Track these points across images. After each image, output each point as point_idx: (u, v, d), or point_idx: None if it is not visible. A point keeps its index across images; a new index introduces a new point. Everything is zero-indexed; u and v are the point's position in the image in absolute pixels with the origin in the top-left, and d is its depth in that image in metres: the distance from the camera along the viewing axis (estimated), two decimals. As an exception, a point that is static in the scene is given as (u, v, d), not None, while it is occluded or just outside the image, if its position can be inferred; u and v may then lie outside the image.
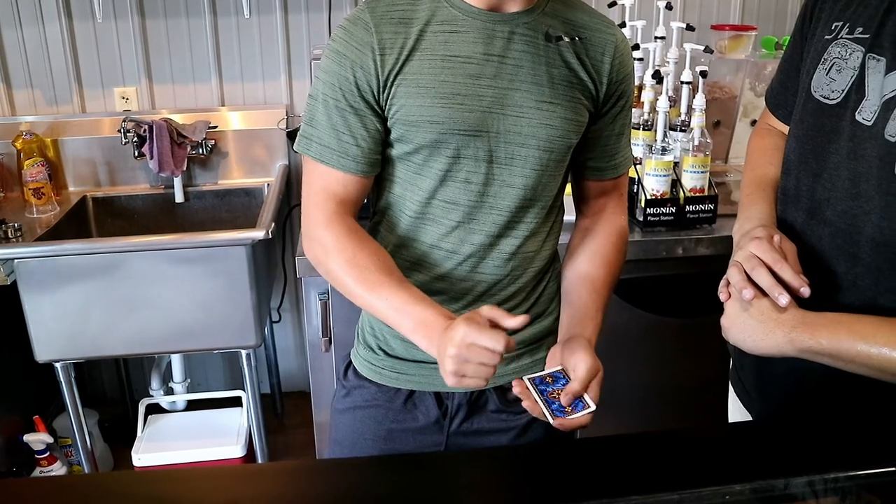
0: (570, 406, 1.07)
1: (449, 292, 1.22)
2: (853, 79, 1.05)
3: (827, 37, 1.10)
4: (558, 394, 1.08)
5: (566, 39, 1.16)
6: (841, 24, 1.09)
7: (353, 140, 1.16)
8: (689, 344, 2.05)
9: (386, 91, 1.13)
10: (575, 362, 1.10)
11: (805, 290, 1.02)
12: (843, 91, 1.06)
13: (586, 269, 1.25)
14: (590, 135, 1.23)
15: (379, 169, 1.22)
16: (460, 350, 0.98)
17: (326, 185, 1.18)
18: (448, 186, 1.17)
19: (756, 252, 1.06)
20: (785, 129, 1.25)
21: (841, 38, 1.08)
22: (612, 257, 1.27)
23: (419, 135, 1.14)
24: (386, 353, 1.29)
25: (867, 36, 1.04)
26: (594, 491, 0.94)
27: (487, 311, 1.03)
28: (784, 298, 1.01)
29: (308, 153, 1.18)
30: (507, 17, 1.14)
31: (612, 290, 1.26)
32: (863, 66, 1.04)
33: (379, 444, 1.31)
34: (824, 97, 1.09)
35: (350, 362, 1.36)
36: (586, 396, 1.08)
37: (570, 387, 1.07)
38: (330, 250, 1.16)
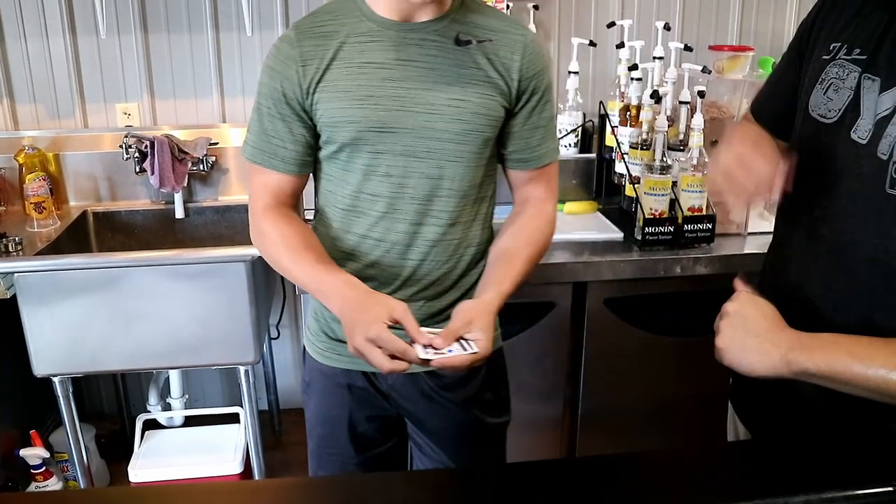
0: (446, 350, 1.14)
1: (380, 278, 1.35)
2: (849, 98, 1.06)
3: (825, 57, 1.12)
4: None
5: (475, 42, 1.28)
6: (839, 44, 1.10)
7: (282, 143, 1.31)
8: (687, 363, 2.05)
9: (309, 98, 1.28)
10: (457, 310, 1.20)
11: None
12: (839, 110, 1.07)
13: (504, 244, 1.35)
14: (510, 129, 1.35)
15: (309, 169, 1.37)
16: (365, 346, 1.13)
17: (262, 182, 1.35)
18: (371, 180, 1.30)
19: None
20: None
21: (839, 58, 1.09)
22: (531, 235, 1.36)
23: (340, 134, 1.28)
24: (328, 336, 1.44)
25: (864, 57, 1.06)
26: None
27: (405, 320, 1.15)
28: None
29: (244, 154, 1.36)
30: (418, 26, 1.27)
31: (532, 266, 1.33)
32: (859, 86, 1.05)
33: (343, 413, 1.47)
34: (821, 116, 1.10)
35: (304, 349, 1.52)
36: (472, 343, 1.15)
37: (445, 328, 1.16)
38: (266, 234, 1.33)
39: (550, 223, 1.40)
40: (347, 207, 1.34)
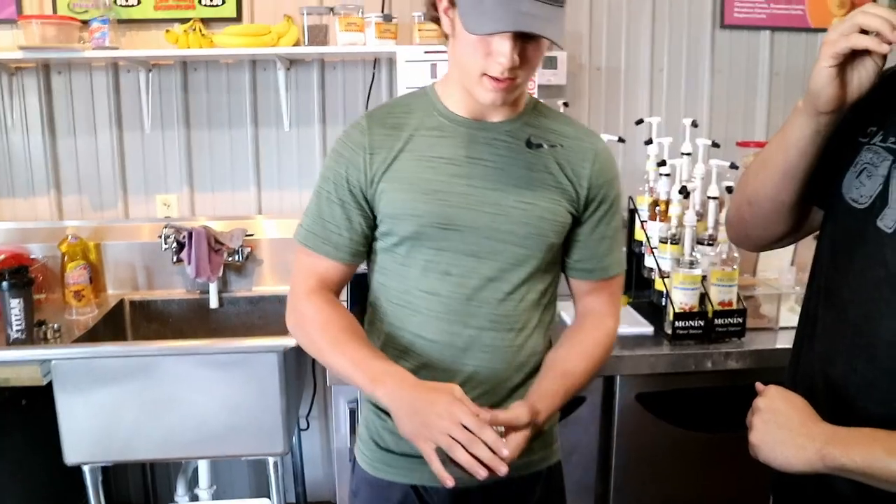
0: None
1: (432, 381, 1.23)
2: (881, 186, 1.07)
3: (861, 139, 1.12)
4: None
5: (546, 147, 1.27)
6: (876, 129, 1.10)
7: (337, 229, 1.29)
8: (720, 459, 2.00)
9: (373, 187, 1.26)
10: (511, 408, 1.15)
11: None
12: (870, 197, 1.08)
13: (561, 355, 1.31)
14: (576, 237, 1.32)
15: (360, 260, 1.34)
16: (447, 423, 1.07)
17: (309, 265, 1.32)
18: (429, 277, 1.26)
19: None
20: None
21: (874, 144, 1.10)
22: (589, 352, 1.31)
23: (402, 227, 1.25)
24: (377, 446, 1.35)
25: None
26: None
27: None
28: None
29: (297, 238, 1.33)
30: (490, 125, 1.27)
31: (586, 381, 1.30)
32: (889, 175, 1.06)
33: None
34: (853, 200, 1.10)
35: (354, 461, 1.42)
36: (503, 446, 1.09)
37: (493, 412, 1.11)
38: (307, 317, 1.29)
39: (609, 338, 1.35)
40: (402, 303, 1.30)
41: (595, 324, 1.36)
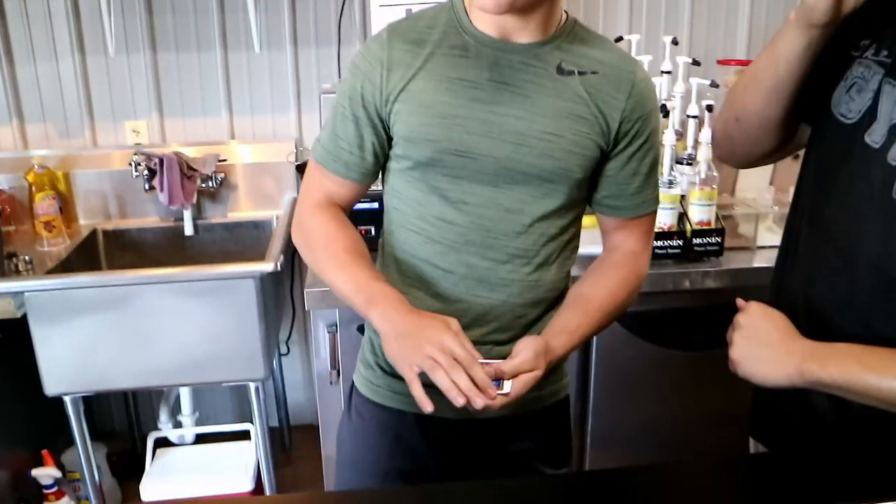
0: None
1: (444, 313, 1.17)
2: (870, 101, 1.05)
3: (853, 53, 1.10)
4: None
5: (578, 74, 1.16)
6: (869, 42, 1.08)
7: (349, 147, 1.23)
8: (697, 377, 2.04)
9: (388, 106, 1.18)
10: (519, 350, 1.11)
11: None
12: (860, 112, 1.06)
13: (585, 291, 1.24)
14: (605, 172, 1.23)
15: (372, 179, 1.28)
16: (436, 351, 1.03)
17: (319, 181, 1.28)
18: (445, 205, 1.20)
19: None
20: None
21: (865, 57, 1.07)
22: (615, 289, 1.24)
23: (416, 151, 1.18)
24: (383, 371, 1.31)
25: (889, 60, 1.04)
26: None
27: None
28: None
29: (312, 152, 1.29)
30: (518, 46, 1.16)
31: (609, 320, 1.24)
32: (879, 90, 1.04)
33: (380, 464, 1.34)
34: (842, 115, 1.09)
35: (353, 385, 1.39)
36: (508, 383, 1.07)
37: (497, 364, 1.07)
38: (312, 232, 1.25)
39: (639, 278, 1.28)
40: (417, 230, 1.23)
41: (624, 261, 1.28)
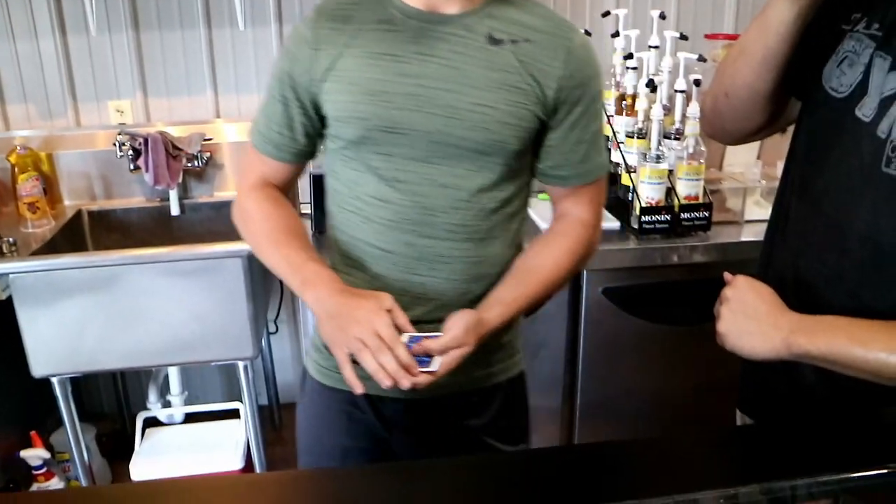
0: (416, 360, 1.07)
1: (385, 292, 1.16)
2: (861, 75, 1.05)
3: (844, 26, 1.09)
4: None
5: (510, 42, 1.14)
6: (860, 15, 1.08)
7: (278, 129, 1.23)
8: (685, 351, 2.05)
9: (318, 86, 1.17)
10: (449, 326, 1.10)
11: None
12: (850, 86, 1.06)
13: (529, 261, 1.24)
14: (547, 143, 1.21)
15: (306, 160, 1.29)
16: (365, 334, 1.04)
17: (255, 163, 1.29)
18: (378, 184, 1.18)
19: None
20: None
21: (857, 31, 1.07)
22: (559, 258, 1.23)
23: (347, 130, 1.17)
24: (330, 353, 1.28)
25: (880, 34, 1.04)
26: (588, 496, 0.94)
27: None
28: None
29: (249, 136, 1.29)
30: (445, 18, 1.14)
31: (554, 289, 1.23)
32: (870, 63, 1.04)
33: (339, 445, 1.34)
34: (833, 89, 1.09)
35: (305, 370, 1.39)
36: (438, 359, 1.07)
37: (424, 342, 1.08)
38: (249, 214, 1.26)
39: (585, 247, 1.25)
40: (354, 210, 1.22)
41: (571, 229, 1.26)
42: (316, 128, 1.23)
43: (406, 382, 1.03)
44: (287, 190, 1.32)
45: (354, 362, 1.08)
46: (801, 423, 1.12)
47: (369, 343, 1.04)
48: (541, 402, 2.12)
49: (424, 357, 1.08)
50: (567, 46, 1.15)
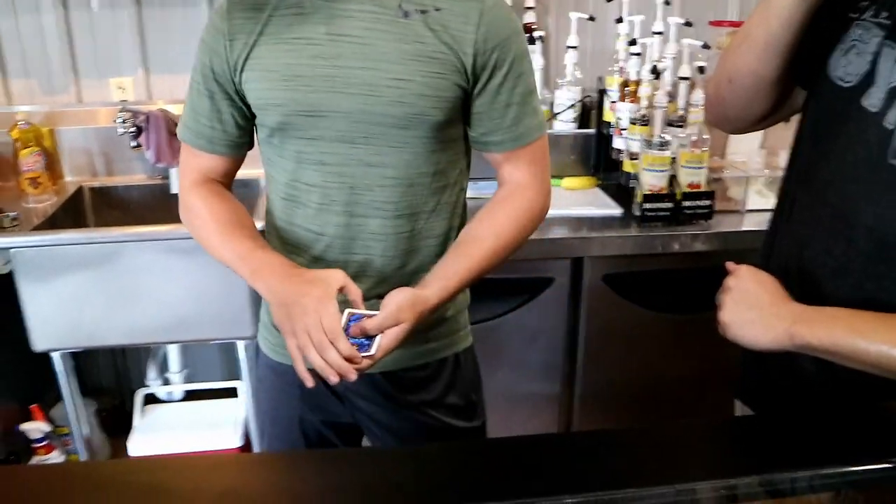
0: (356, 344, 1.07)
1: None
2: (869, 64, 1.04)
3: (851, 14, 1.08)
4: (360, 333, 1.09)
5: (418, 13, 1.12)
6: (868, 3, 1.06)
7: (209, 122, 1.22)
8: (685, 340, 2.06)
9: (237, 76, 1.17)
10: (384, 304, 1.10)
11: None
12: (857, 75, 1.05)
13: (471, 232, 1.23)
14: (475, 110, 1.19)
15: (240, 151, 1.28)
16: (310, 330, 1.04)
17: (191, 159, 1.28)
18: (305, 168, 1.19)
19: None
20: None
21: (864, 19, 1.06)
22: (501, 227, 1.22)
23: (268, 118, 1.17)
24: (278, 330, 1.30)
25: (889, 22, 1.02)
26: (585, 484, 0.94)
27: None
28: None
29: (179, 134, 1.28)
30: None
31: (499, 259, 1.22)
32: (878, 52, 1.03)
33: (296, 418, 1.37)
34: (839, 79, 1.08)
35: (257, 346, 1.41)
36: (377, 341, 1.08)
37: (362, 321, 1.08)
38: (194, 209, 1.26)
39: (530, 210, 1.24)
40: (286, 196, 1.23)
41: (510, 195, 1.25)
42: (246, 117, 1.23)
43: (352, 376, 1.04)
44: (229, 183, 1.32)
45: None
46: (801, 415, 1.12)
47: (314, 338, 1.04)
48: (539, 389, 2.13)
49: (364, 340, 1.08)
50: (479, 9, 1.13)
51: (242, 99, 1.20)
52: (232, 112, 1.22)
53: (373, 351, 1.07)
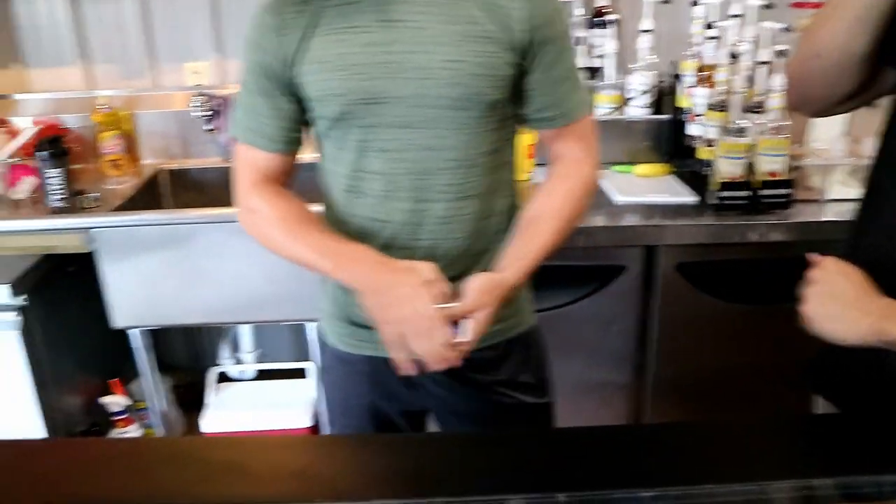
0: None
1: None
2: None
3: None
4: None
5: None
6: None
7: (268, 119, 1.22)
8: (761, 332, 2.01)
9: (292, 70, 1.17)
10: (466, 291, 1.12)
11: None
12: None
13: (535, 211, 1.25)
14: (528, 86, 1.21)
15: (297, 146, 1.28)
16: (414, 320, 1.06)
17: (249, 160, 1.27)
18: (367, 157, 1.19)
19: None
20: None
21: None
22: (562, 202, 1.24)
23: (327, 109, 1.18)
24: (348, 322, 1.33)
25: None
26: (653, 479, 0.93)
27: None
28: None
29: (233, 134, 1.28)
30: None
31: (564, 235, 1.24)
32: None
33: (367, 406, 1.39)
34: None
35: (321, 334, 1.42)
36: (465, 326, 1.09)
37: (448, 310, 1.09)
38: (259, 213, 1.25)
39: (586, 185, 1.27)
40: (347, 188, 1.24)
41: (567, 172, 1.27)
42: (302, 112, 1.24)
43: (457, 362, 1.07)
44: (286, 182, 1.31)
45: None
46: (887, 414, 1.08)
47: (416, 326, 1.06)
48: (610, 378, 2.11)
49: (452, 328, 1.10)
50: None
51: (298, 93, 1.21)
52: (291, 107, 1.22)
53: (465, 336, 1.09)
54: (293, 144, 1.27)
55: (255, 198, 1.26)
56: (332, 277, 1.20)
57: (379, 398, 1.38)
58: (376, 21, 1.14)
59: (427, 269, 1.11)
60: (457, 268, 1.22)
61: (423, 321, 1.06)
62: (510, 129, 1.27)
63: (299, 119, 1.24)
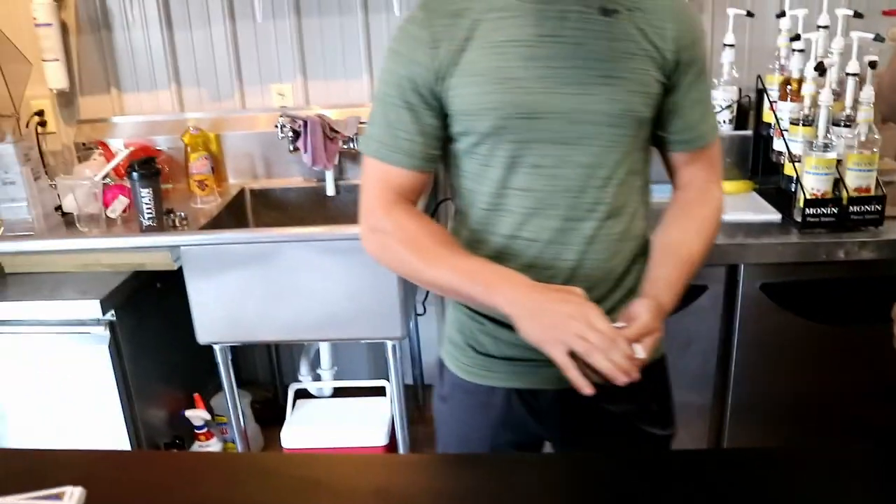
0: None
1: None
2: None
3: None
4: None
5: (624, 11, 1.13)
6: None
7: (408, 135, 1.18)
8: (849, 354, 1.93)
9: (442, 83, 1.14)
10: (636, 314, 1.07)
11: None
12: None
13: (675, 238, 1.21)
14: (670, 107, 1.20)
15: (435, 165, 1.23)
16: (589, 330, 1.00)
17: (383, 178, 1.21)
18: (517, 173, 1.16)
19: None
20: None
21: None
22: (701, 226, 1.22)
23: (479, 123, 1.15)
24: (475, 351, 1.30)
25: None
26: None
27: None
28: None
29: (364, 150, 1.23)
30: None
31: (702, 262, 1.20)
32: None
33: (488, 441, 1.34)
34: None
35: (442, 363, 1.38)
36: (637, 348, 1.04)
37: (623, 332, 1.04)
38: (393, 236, 1.19)
39: (718, 210, 1.25)
40: (490, 206, 1.20)
41: (702, 198, 1.25)
42: (445, 128, 1.20)
43: (636, 374, 1.01)
44: (417, 201, 1.26)
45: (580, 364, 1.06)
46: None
47: (594, 340, 1.01)
48: (690, 399, 2.06)
49: None
50: (672, 8, 1.16)
51: (445, 108, 1.17)
52: (433, 123, 1.18)
53: (640, 355, 1.05)
54: (431, 162, 1.22)
55: (386, 217, 1.20)
56: (482, 301, 1.12)
57: (503, 430, 1.33)
58: (535, 35, 1.12)
59: (580, 291, 1.07)
60: (598, 291, 1.19)
61: (603, 336, 1.01)
62: (648, 149, 1.25)
63: (440, 136, 1.20)
